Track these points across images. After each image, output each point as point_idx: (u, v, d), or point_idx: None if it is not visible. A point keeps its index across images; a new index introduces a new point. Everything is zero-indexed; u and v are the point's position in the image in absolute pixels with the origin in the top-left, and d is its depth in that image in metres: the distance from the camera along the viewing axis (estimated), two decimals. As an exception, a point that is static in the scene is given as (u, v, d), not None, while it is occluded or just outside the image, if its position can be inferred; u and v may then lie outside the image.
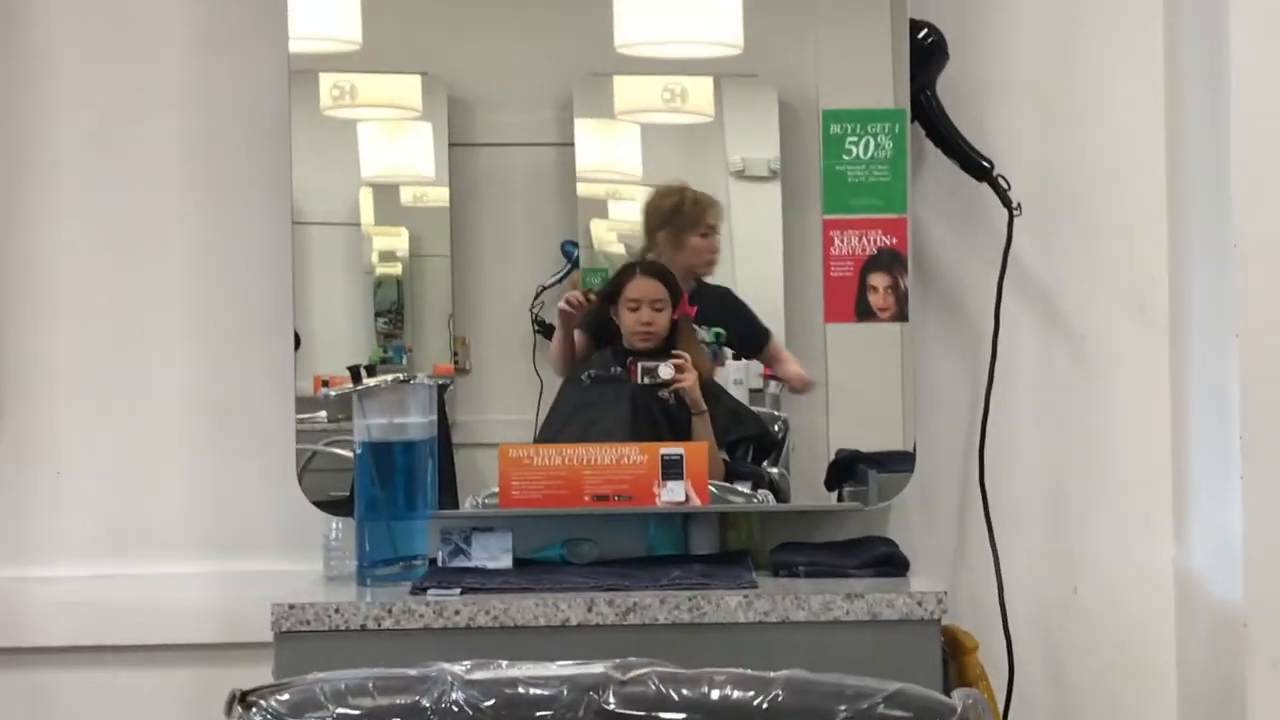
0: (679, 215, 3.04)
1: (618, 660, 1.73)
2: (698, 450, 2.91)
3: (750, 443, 3.06)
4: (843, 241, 2.97)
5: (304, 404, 3.01)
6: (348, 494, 2.92)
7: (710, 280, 3.05)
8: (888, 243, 2.96)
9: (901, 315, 2.96)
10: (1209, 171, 2.86)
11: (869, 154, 2.95)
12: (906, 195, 2.96)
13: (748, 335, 3.05)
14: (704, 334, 3.04)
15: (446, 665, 1.74)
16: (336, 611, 2.61)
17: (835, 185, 2.97)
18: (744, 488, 3.01)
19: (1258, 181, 2.73)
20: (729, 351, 3.05)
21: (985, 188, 3.02)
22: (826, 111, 2.98)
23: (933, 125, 3.00)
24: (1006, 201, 3.00)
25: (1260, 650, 2.71)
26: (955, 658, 2.76)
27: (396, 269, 3.06)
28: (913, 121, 2.98)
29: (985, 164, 3.01)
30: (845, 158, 2.96)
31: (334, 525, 2.92)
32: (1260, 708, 2.72)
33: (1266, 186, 2.73)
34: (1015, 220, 3.00)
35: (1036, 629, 3.09)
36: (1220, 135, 2.77)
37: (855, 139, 2.96)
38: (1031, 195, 3.04)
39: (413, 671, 1.75)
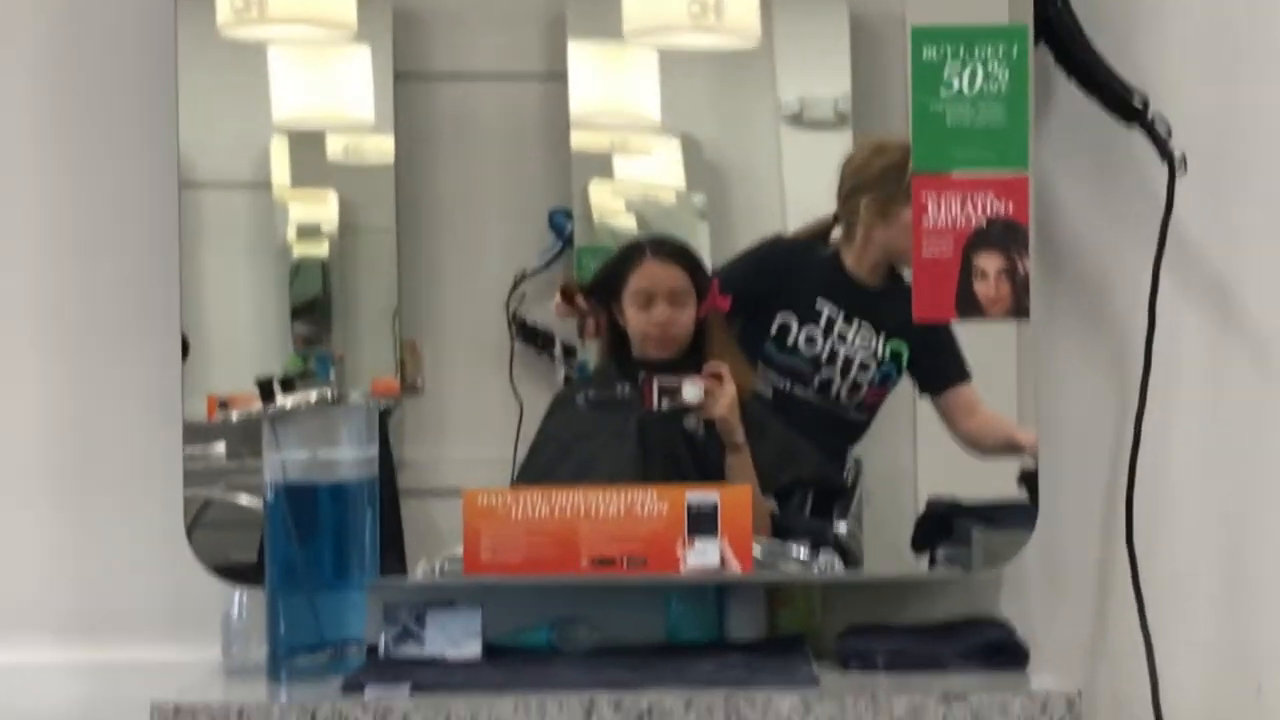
0: (898, 179, 3.02)
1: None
2: (738, 497, 2.89)
3: (808, 488, 3.07)
4: (940, 208, 2.96)
5: (196, 433, 3.01)
6: (255, 558, 2.91)
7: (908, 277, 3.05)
8: (1002, 210, 2.95)
9: (1020, 309, 2.96)
10: None
11: (976, 88, 2.95)
12: (1028, 145, 2.96)
13: (937, 367, 3.06)
14: (875, 346, 3.05)
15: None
16: (240, 716, 2.60)
17: (929, 131, 2.96)
18: (800, 549, 3.02)
19: None
20: (894, 377, 3.08)
21: (1137, 135, 3.01)
22: (916, 29, 2.98)
23: (1065, 48, 3.00)
24: (1166, 153, 2.99)
25: None
26: (1095, 786, 2.75)
27: (321, 249, 3.07)
28: (1038, 43, 2.98)
29: (1138, 103, 3.00)
30: (944, 93, 2.96)
31: (237, 600, 2.91)
32: None
33: None
34: (1178, 180, 3.00)
35: (1207, 746, 3.08)
36: None
37: (958, 67, 2.95)
38: (1202, 146, 3.03)
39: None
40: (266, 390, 2.89)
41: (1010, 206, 2.96)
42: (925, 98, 2.96)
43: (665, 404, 2.98)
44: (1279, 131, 3.11)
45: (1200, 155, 3.03)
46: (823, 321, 3.05)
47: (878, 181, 3.03)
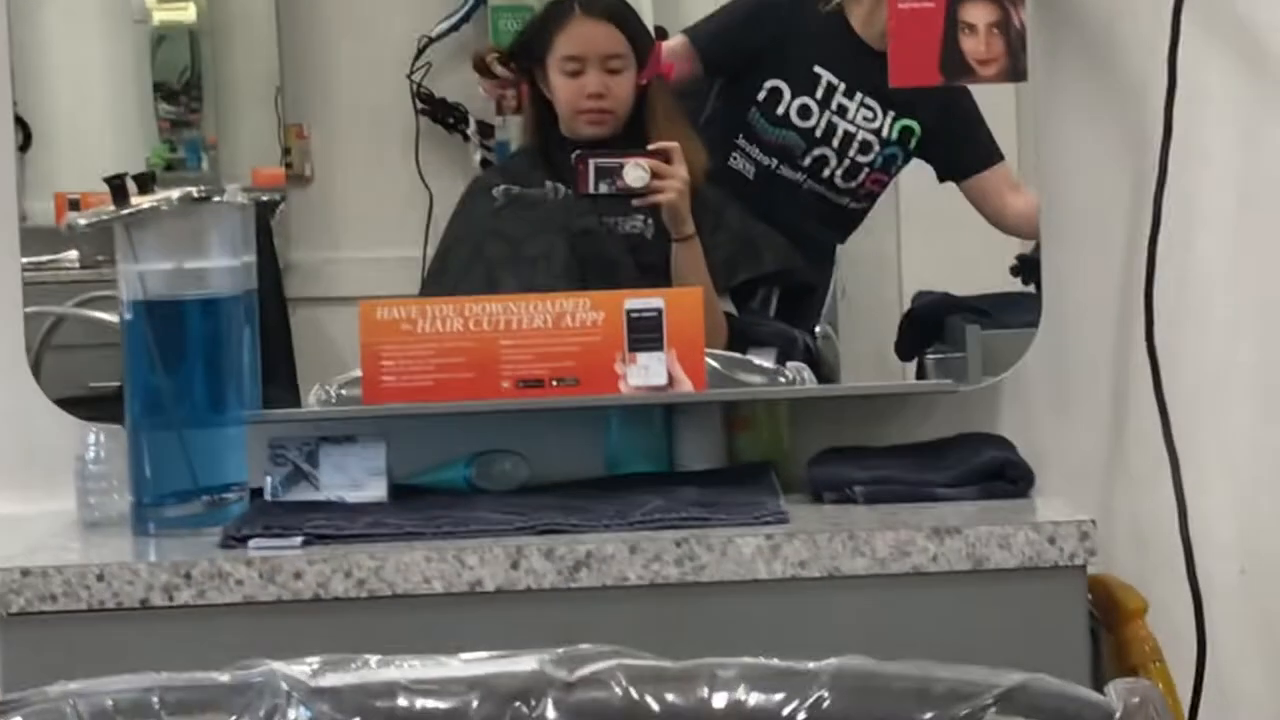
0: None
1: (561, 650, 1.72)
2: (687, 300, 2.91)
3: (773, 285, 3.10)
4: (915, -52, 2.96)
5: (40, 239, 3.02)
6: (116, 386, 2.92)
7: None
8: (991, -55, 2.95)
9: (1016, 70, 2.97)
10: None
11: None
12: None
13: (963, 147, 3.09)
14: (881, 122, 3.05)
15: (279, 665, 1.73)
16: (100, 579, 2.61)
17: None
18: (765, 360, 3.04)
19: None
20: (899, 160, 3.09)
21: None
22: None
23: None
24: None
25: None
26: (1112, 627, 2.79)
27: (187, 13, 3.07)
28: None
29: None
30: None
31: (93, 438, 2.93)
32: None
33: None
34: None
35: (1241, 578, 3.12)
36: None
37: None
38: None
39: (223, 677, 1.74)
40: (119, 189, 2.86)
41: (1001, -60, 2.95)
42: None
43: (603, 188, 2.99)
44: None
45: None
46: (820, 90, 3.06)
47: None
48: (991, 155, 3.07)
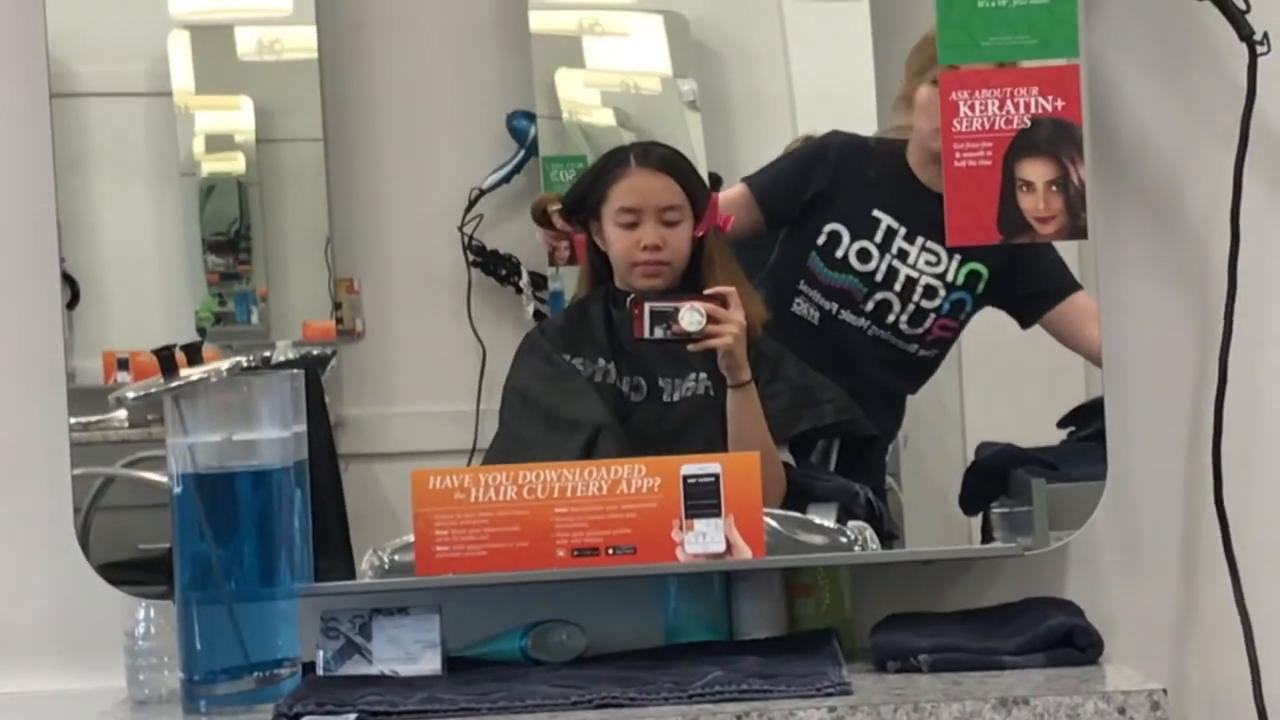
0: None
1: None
2: (744, 464, 2.88)
3: (833, 437, 3.08)
4: (974, 109, 2.96)
5: (88, 399, 3.01)
6: (166, 548, 2.89)
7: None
8: (1050, 108, 2.95)
9: (1076, 227, 2.96)
10: None
11: (1014, -39, 2.95)
12: (1078, 30, 2.95)
13: (1038, 286, 3.07)
14: (946, 266, 3.04)
15: None
16: (150, 760, 2.60)
17: (959, 14, 2.95)
18: (825, 518, 3.02)
19: None
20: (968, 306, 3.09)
21: (1208, 10, 3.00)
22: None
23: (1121, -93, 3.01)
24: (1244, 30, 2.98)
25: None
26: (1185, 796, 2.76)
27: (236, 164, 3.07)
28: (1084, -96, 2.98)
29: (1209, -29, 3.00)
30: (974, -32, 2.96)
31: (142, 613, 2.91)
32: None
33: None
34: (1260, 61, 2.98)
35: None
36: None
37: (990, -64, 2.96)
38: (1288, 21, 3.03)
39: None
40: (167, 361, 2.86)
41: (1060, 103, 2.95)
42: (954, -27, 2.96)
43: (658, 333, 2.98)
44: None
45: (1288, 32, 3.03)
46: (879, 234, 3.07)
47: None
48: (1065, 286, 3.05)
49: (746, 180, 3.07)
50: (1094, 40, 3.01)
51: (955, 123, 2.95)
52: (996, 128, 2.95)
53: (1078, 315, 3.06)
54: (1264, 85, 2.99)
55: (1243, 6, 2.98)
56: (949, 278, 3.05)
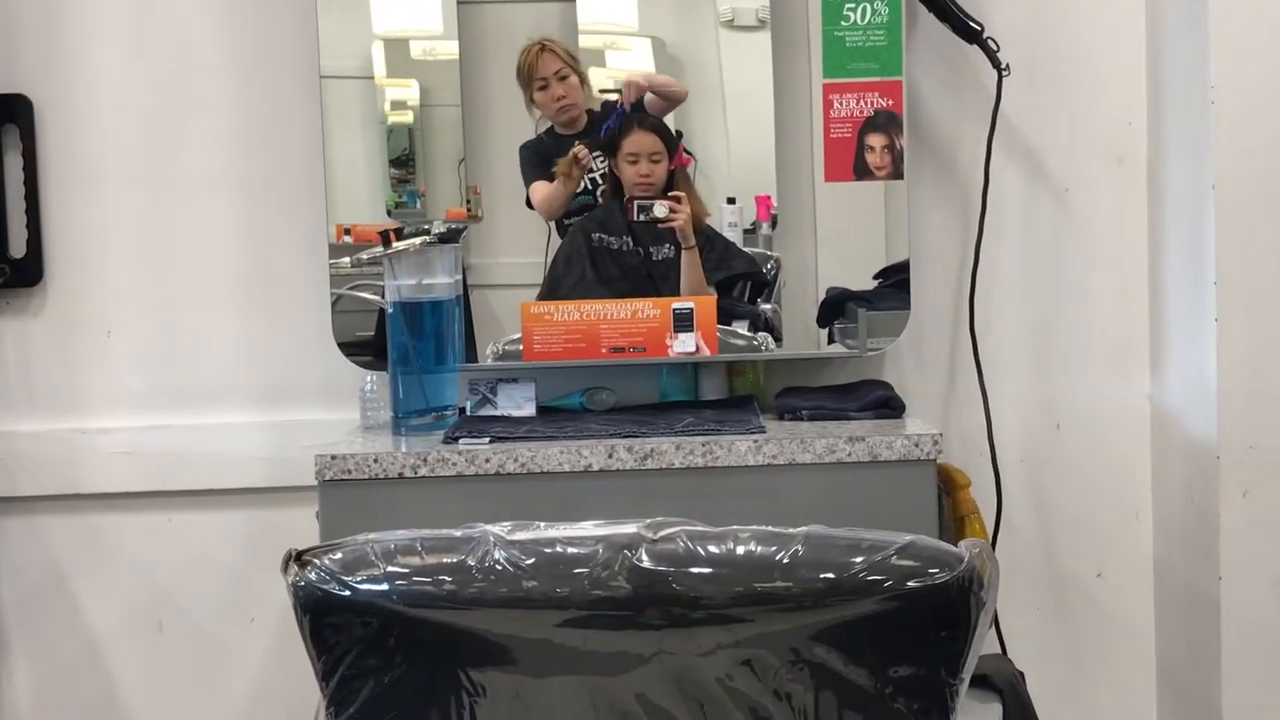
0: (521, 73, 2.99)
1: (649, 520, 1.71)
2: (707, 304, 2.88)
3: (743, 280, 3.02)
4: (842, 104, 2.91)
5: (331, 251, 2.98)
6: (373, 333, 2.91)
7: None
8: (884, 104, 2.90)
9: (897, 173, 2.92)
10: (1187, 23, 2.80)
11: (866, 19, 2.89)
12: (902, 58, 2.90)
13: None
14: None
15: (488, 526, 1.72)
16: (375, 461, 2.59)
17: (835, 50, 2.91)
18: (742, 328, 2.98)
19: (1236, 31, 2.68)
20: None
21: (975, 50, 2.97)
22: (827, -17, 2.92)
23: (927, -10, 2.95)
24: (996, 62, 2.95)
25: (1232, 481, 2.72)
26: (949, 494, 2.76)
27: (408, 117, 3.00)
28: (907, -13, 2.92)
29: (975, 26, 2.95)
30: (844, 23, 2.90)
31: (369, 378, 2.91)
32: (1231, 534, 2.73)
33: (1244, 36, 2.68)
34: (1004, 80, 2.96)
35: (1022, 465, 3.09)
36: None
37: (853, 5, 2.89)
38: (1018, 56, 2.99)
39: (457, 532, 1.73)
40: (386, 238, 2.85)
41: (890, 101, 2.91)
42: (832, 26, 2.91)
43: (642, 218, 2.93)
44: (1069, 42, 3.05)
45: (1018, 62, 2.99)
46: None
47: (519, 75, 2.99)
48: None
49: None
50: (910, 65, 2.95)
51: (831, 112, 2.91)
52: (854, 115, 2.91)
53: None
54: (1005, 93, 2.97)
55: (995, 48, 2.95)
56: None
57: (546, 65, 2.96)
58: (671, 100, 2.96)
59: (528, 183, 3.00)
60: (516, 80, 2.97)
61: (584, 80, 2.98)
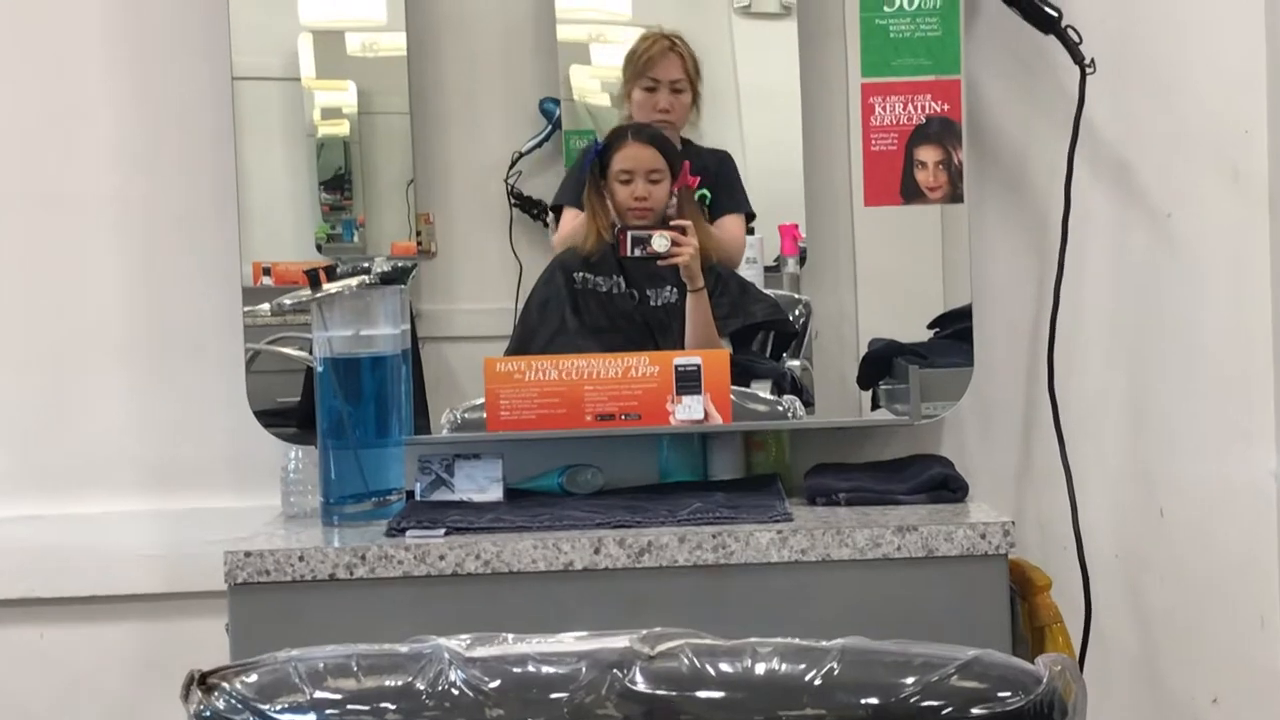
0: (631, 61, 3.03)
1: (644, 632, 1.71)
2: (719, 360, 2.88)
3: (764, 330, 3.03)
4: (885, 109, 2.93)
5: (247, 296, 2.99)
6: (298, 398, 2.92)
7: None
8: (938, 110, 2.92)
9: (955, 195, 2.93)
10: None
11: (915, 4, 2.92)
12: (960, 53, 2.92)
13: (721, 201, 3.04)
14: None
15: (443, 640, 1.73)
16: (301, 559, 2.59)
17: (876, 42, 2.93)
18: (762, 389, 2.99)
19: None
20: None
21: (1052, 42, 2.99)
22: (863, -47, 2.94)
23: (990, -34, 2.97)
24: (1078, 57, 2.97)
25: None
26: (1025, 598, 2.75)
27: (343, 128, 3.03)
28: (966, -38, 2.95)
29: (1053, 12, 2.97)
30: (887, 9, 2.92)
31: (293, 455, 2.91)
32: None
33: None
34: (1088, 79, 2.97)
35: (1117, 561, 3.10)
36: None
37: (898, -15, 2.92)
38: (1107, 50, 3.02)
39: (403, 648, 1.73)
40: (314, 278, 2.84)
41: (946, 106, 2.92)
42: (872, 13, 2.93)
43: (637, 252, 2.94)
44: (1168, 37, 3.08)
45: (1105, 57, 3.01)
46: None
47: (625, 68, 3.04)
48: (734, 208, 3.04)
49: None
50: (971, 62, 2.97)
51: (872, 119, 2.92)
52: (900, 123, 2.92)
53: (726, 224, 3.02)
54: (1089, 95, 2.98)
55: (1077, 40, 2.97)
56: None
57: (668, 68, 3.00)
58: None
59: (561, 203, 3.03)
60: (622, 67, 3.00)
61: (696, 93, 3.01)
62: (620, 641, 1.71)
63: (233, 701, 1.72)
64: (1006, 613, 2.63)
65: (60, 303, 3.09)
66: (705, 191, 3.01)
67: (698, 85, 3.01)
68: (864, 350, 3.01)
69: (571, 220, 3.01)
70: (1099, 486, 3.09)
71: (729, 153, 3.03)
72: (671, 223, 2.96)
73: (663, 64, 3.00)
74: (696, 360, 2.88)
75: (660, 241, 2.94)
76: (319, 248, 3.00)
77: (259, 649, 1.79)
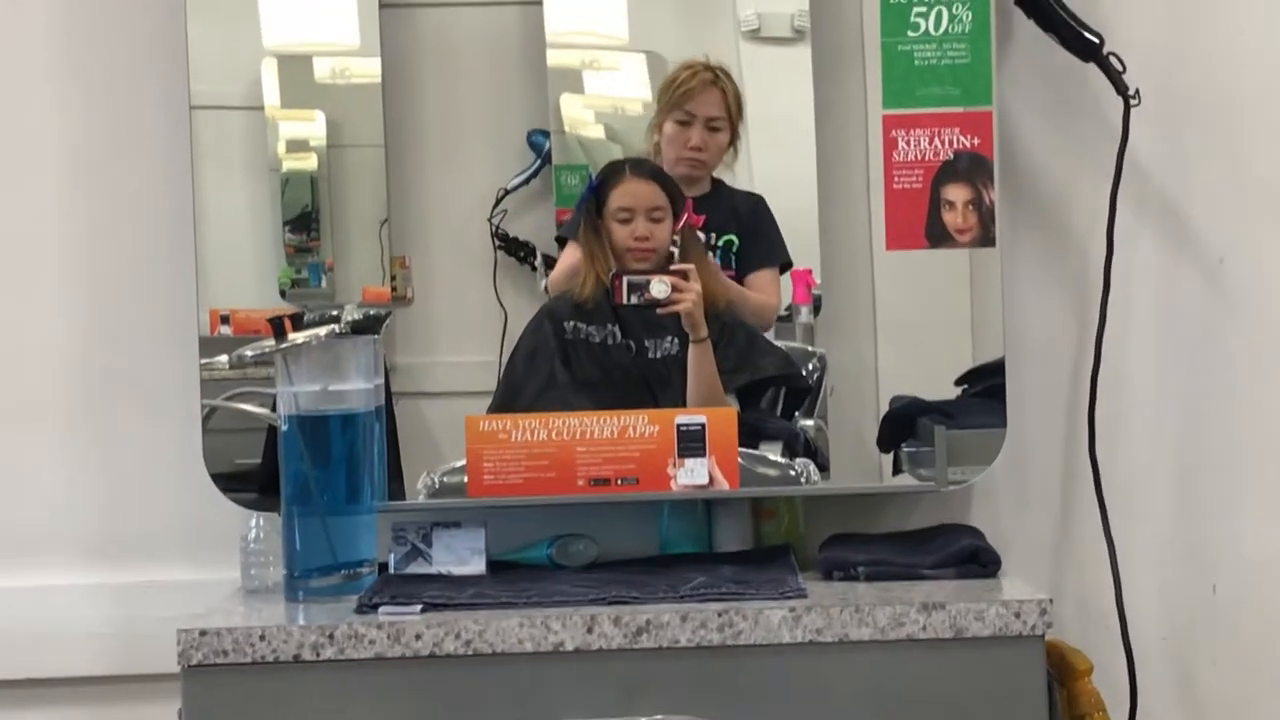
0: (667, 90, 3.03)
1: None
2: (725, 419, 2.86)
3: (774, 385, 3.03)
4: (910, 144, 2.92)
5: (203, 347, 2.99)
6: (259, 460, 2.91)
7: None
8: (968, 144, 2.92)
9: (986, 238, 2.92)
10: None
11: (942, 28, 2.91)
12: (992, 82, 2.92)
13: (754, 253, 3.04)
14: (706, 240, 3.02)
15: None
16: (262, 638, 2.55)
17: (899, 70, 2.92)
18: (773, 451, 2.98)
19: None
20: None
21: (1094, 71, 2.98)
22: (884, -27, 2.94)
23: (1026, -10, 2.97)
24: (1121, 87, 2.96)
25: None
26: (1064, 683, 2.72)
27: (310, 162, 3.03)
28: (999, -15, 2.94)
29: (1094, 39, 2.96)
30: (911, 34, 2.92)
31: (254, 522, 2.89)
32: None
33: None
34: (1132, 112, 2.97)
35: (1165, 643, 3.09)
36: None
37: (924, 8, 2.91)
38: (1153, 80, 3.01)
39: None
40: (279, 327, 2.83)
41: (976, 140, 2.92)
42: (894, 39, 2.92)
43: (633, 299, 2.94)
44: (1224, 66, 3.08)
45: (1152, 89, 3.01)
46: None
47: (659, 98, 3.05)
48: (769, 260, 3.04)
49: None
50: (1003, 92, 2.96)
51: (895, 154, 2.92)
52: (926, 159, 2.92)
53: (758, 280, 3.02)
54: (1134, 130, 2.97)
55: (1120, 69, 2.96)
56: (711, 242, 3.02)
57: (706, 103, 3.00)
58: None
59: (566, 235, 3.02)
60: (657, 95, 3.01)
61: (735, 133, 3.02)
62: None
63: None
64: (1044, 700, 2.60)
65: (2, 353, 3.10)
66: (733, 237, 3.02)
67: (738, 124, 3.02)
68: (885, 409, 3.01)
69: (572, 256, 2.99)
70: (1145, 561, 3.07)
71: (763, 196, 3.03)
72: (673, 267, 2.95)
73: (701, 98, 3.00)
74: (701, 419, 2.86)
75: (659, 287, 2.93)
76: (283, 293, 3.01)
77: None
